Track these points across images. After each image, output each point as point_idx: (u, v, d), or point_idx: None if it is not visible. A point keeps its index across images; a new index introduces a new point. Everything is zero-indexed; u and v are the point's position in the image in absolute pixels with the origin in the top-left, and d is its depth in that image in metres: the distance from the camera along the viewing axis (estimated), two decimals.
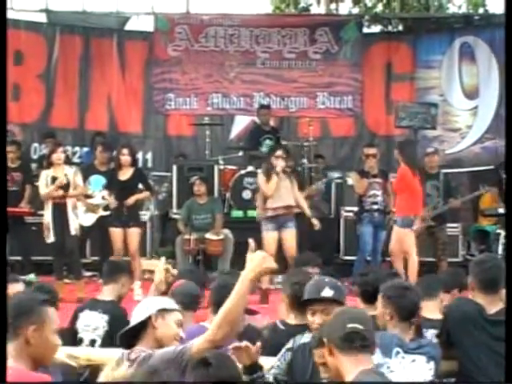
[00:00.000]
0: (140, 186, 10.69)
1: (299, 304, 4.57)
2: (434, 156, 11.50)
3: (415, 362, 4.57)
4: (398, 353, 4.55)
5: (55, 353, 3.50)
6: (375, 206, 10.70)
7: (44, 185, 10.02)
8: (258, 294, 9.40)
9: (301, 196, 10.33)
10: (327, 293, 4.31)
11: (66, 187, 9.99)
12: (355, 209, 11.42)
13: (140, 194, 10.65)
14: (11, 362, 3.31)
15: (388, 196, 10.87)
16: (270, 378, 4.28)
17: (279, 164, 10.00)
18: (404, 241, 9.90)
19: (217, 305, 5.38)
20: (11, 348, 3.34)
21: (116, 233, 10.35)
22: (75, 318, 6.01)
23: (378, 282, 5.29)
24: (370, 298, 5.24)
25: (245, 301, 3.81)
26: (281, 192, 9.99)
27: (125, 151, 10.50)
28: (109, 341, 5.53)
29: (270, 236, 9.88)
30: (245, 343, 4.25)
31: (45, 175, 10.09)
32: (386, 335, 4.59)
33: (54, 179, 10.00)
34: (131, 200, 10.34)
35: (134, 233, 10.40)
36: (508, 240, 7.38)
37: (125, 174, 10.48)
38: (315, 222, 10.20)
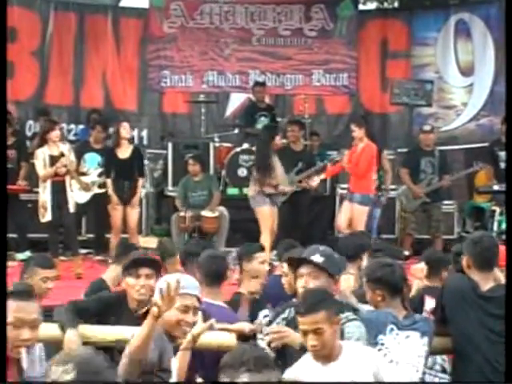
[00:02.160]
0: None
1: (294, 268, 4.60)
2: (430, 134, 11.46)
3: (409, 337, 4.58)
4: (392, 330, 4.57)
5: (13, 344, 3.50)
6: None
7: (42, 165, 9.97)
8: None
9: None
10: (317, 258, 4.33)
11: (65, 165, 9.96)
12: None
13: (138, 184, 10.62)
14: None
15: (385, 173, 10.85)
16: (263, 344, 4.31)
17: (277, 139, 10.20)
18: (359, 219, 9.95)
19: (209, 276, 5.37)
20: None
21: (117, 210, 10.35)
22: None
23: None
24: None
25: (148, 337, 3.88)
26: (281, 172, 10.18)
27: (126, 125, 10.49)
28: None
29: (271, 210, 10.06)
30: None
31: (41, 154, 10.03)
32: (381, 313, 4.62)
33: (51, 158, 9.96)
34: (136, 200, 10.46)
35: (134, 210, 10.41)
36: (508, 225, 7.34)
37: (124, 153, 10.44)
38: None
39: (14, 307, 3.50)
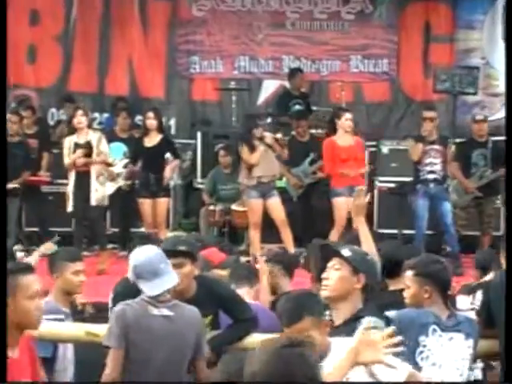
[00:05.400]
0: (168, 154, 10.68)
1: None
2: (484, 123, 11.37)
3: (453, 339, 4.57)
4: (434, 331, 4.55)
5: (34, 317, 3.74)
6: (431, 176, 10.47)
7: (66, 154, 10.07)
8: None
9: (283, 167, 10.65)
10: (345, 252, 4.45)
11: (89, 154, 10.03)
12: (388, 179, 11.43)
13: (172, 163, 10.66)
14: None
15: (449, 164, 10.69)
16: None
17: (268, 135, 10.13)
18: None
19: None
20: None
21: (145, 204, 10.39)
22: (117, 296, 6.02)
23: (398, 255, 5.39)
24: (391, 271, 5.30)
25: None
26: (266, 161, 10.12)
27: (150, 115, 10.50)
28: None
29: (255, 203, 10.12)
30: None
31: (68, 142, 10.13)
32: (422, 312, 4.60)
33: (76, 145, 10.04)
34: (167, 172, 10.45)
35: (163, 203, 10.45)
36: (508, 225, 7.35)
37: (151, 141, 10.48)
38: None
39: (29, 281, 3.74)
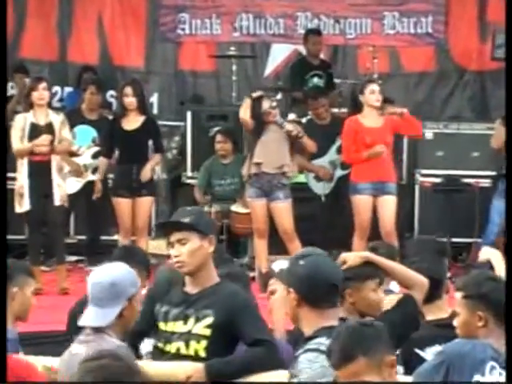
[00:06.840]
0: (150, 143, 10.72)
1: None
2: None
3: None
4: (493, 368, 4.54)
5: None
6: None
7: (19, 136, 10.02)
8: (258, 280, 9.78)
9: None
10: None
11: (52, 141, 10.04)
12: (433, 172, 11.45)
13: (152, 160, 10.70)
14: None
15: None
16: None
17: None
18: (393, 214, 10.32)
19: None
20: None
21: (123, 204, 10.41)
22: (72, 320, 6.05)
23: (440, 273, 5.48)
24: (429, 295, 5.33)
25: None
26: (269, 146, 10.18)
27: (128, 90, 10.49)
28: None
29: (256, 204, 10.29)
30: None
31: (21, 121, 10.08)
32: (477, 345, 4.57)
33: (33, 127, 10.03)
34: (146, 173, 10.47)
35: (146, 203, 10.47)
36: (508, 222, 7.39)
37: (132, 123, 10.48)
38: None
39: None
